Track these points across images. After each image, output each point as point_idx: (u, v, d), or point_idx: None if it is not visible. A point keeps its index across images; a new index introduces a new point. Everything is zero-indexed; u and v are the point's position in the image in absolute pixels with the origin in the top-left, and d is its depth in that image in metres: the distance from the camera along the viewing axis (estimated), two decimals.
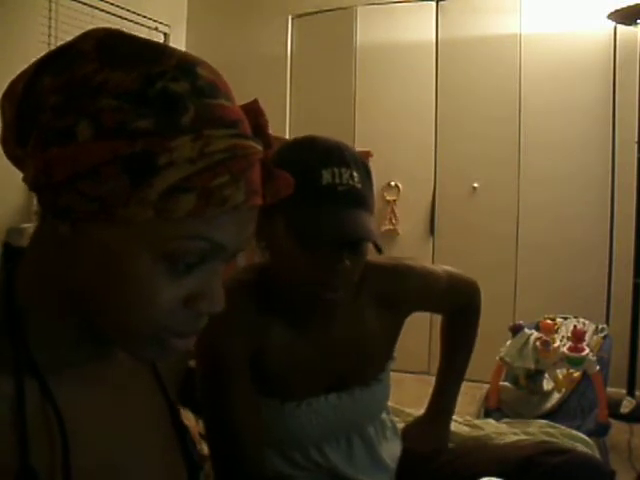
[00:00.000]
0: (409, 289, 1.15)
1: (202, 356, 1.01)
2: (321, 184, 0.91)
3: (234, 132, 0.50)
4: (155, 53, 0.50)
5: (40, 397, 0.52)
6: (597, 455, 1.36)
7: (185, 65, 0.50)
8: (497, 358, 2.34)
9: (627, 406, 2.61)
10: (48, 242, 0.53)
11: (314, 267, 0.93)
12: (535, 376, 2.31)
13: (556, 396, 2.30)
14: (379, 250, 0.97)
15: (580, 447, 1.31)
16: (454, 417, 1.50)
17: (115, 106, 0.47)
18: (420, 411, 1.42)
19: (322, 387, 1.10)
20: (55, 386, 0.53)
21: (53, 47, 0.54)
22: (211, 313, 0.54)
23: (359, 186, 0.93)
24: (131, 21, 3.63)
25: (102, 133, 0.47)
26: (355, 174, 0.93)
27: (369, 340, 1.12)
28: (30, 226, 2.49)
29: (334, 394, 1.10)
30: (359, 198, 0.93)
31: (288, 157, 0.94)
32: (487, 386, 2.42)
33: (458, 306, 1.30)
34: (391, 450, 1.21)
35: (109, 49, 0.49)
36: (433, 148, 3.50)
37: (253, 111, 0.55)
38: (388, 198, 3.51)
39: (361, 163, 0.97)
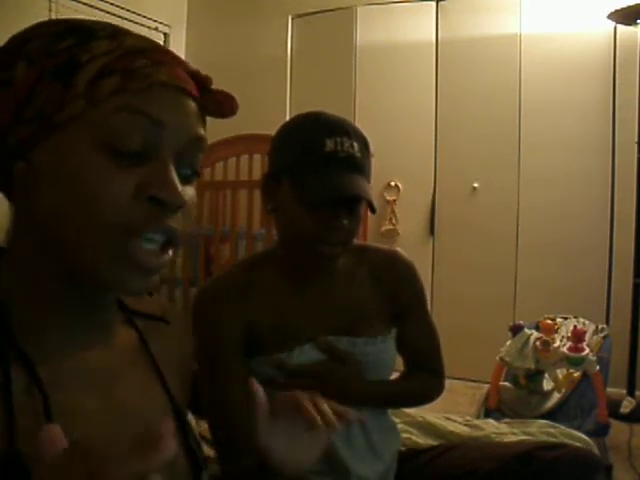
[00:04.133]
0: (401, 274, 1.21)
1: (199, 332, 1.07)
2: (324, 150, 1.02)
3: (149, 39, 0.57)
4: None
5: (27, 384, 0.52)
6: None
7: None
8: (497, 358, 2.34)
9: (627, 406, 2.61)
10: (16, 217, 0.56)
11: (315, 224, 1.04)
12: (535, 376, 2.31)
13: (556, 396, 2.30)
14: (373, 210, 1.06)
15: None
16: (454, 417, 1.51)
17: (41, 43, 0.53)
18: (420, 412, 1.42)
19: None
20: (45, 375, 0.53)
21: None
22: (169, 203, 0.53)
23: (358, 155, 1.05)
24: (131, 21, 3.63)
25: (33, 64, 0.52)
26: (355, 144, 1.05)
27: (366, 305, 1.17)
28: None
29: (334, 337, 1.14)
30: (358, 165, 1.05)
31: (295, 127, 1.09)
32: (487, 386, 2.42)
33: (420, 357, 1.25)
34: (388, 442, 1.21)
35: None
36: (433, 148, 3.50)
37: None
38: (388, 198, 3.51)
39: (361, 136, 1.08)
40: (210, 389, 1.10)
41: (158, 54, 0.55)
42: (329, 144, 1.02)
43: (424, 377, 1.24)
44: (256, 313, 1.11)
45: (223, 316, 1.10)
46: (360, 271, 1.19)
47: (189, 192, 0.57)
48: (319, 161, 1.02)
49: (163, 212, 0.53)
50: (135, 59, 0.53)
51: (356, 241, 1.19)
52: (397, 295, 1.20)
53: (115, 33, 0.55)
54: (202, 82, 0.58)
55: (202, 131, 0.58)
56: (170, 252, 0.55)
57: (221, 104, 0.59)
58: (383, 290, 1.19)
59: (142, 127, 0.53)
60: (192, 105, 0.57)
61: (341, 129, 1.05)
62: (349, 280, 1.18)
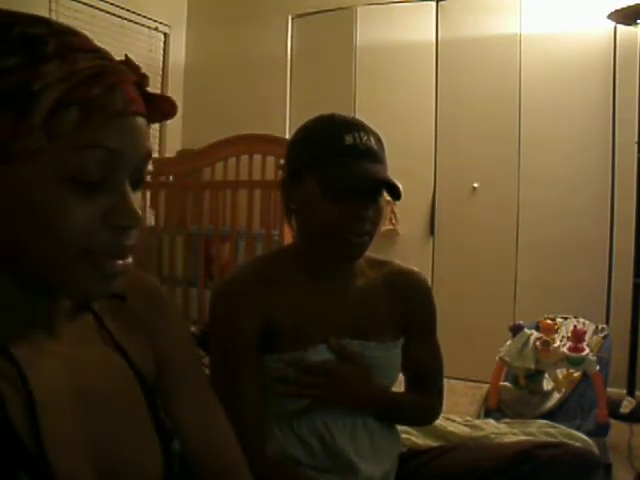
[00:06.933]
0: (417, 293, 1.24)
1: (215, 331, 1.13)
2: (344, 144, 1.08)
3: (97, 55, 0.54)
4: (6, 13, 0.53)
5: (11, 375, 0.54)
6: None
7: (38, 18, 0.54)
8: (497, 358, 2.34)
9: (627, 406, 2.61)
10: None
11: (341, 216, 1.08)
12: (535, 376, 2.31)
13: (556, 396, 2.31)
14: (399, 196, 1.12)
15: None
16: (454, 417, 1.51)
17: None
18: None
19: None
20: (19, 357, 0.55)
21: None
22: (131, 226, 0.56)
23: (375, 147, 1.11)
24: (131, 21, 3.64)
25: None
26: (371, 138, 1.11)
27: (378, 313, 1.19)
28: None
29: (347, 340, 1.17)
30: (377, 156, 1.11)
31: (312, 127, 1.14)
32: (487, 386, 2.42)
33: (423, 376, 1.27)
34: (389, 445, 1.22)
35: None
36: (433, 148, 3.51)
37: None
38: (388, 198, 3.50)
39: (373, 132, 1.14)
40: (222, 388, 1.10)
41: (110, 76, 0.54)
42: (348, 139, 1.08)
43: (428, 394, 1.27)
44: (273, 310, 1.12)
45: (241, 313, 1.11)
46: (376, 281, 1.22)
47: (136, 199, 0.59)
48: (341, 154, 1.08)
49: (124, 234, 0.56)
50: (90, 87, 0.52)
51: (378, 256, 1.25)
52: (410, 312, 1.22)
53: (62, 48, 0.52)
54: (142, 85, 0.57)
55: (149, 145, 0.59)
56: (129, 259, 0.58)
57: (166, 114, 0.60)
58: (397, 304, 1.21)
59: (102, 160, 0.53)
60: (143, 123, 0.57)
61: (356, 125, 1.11)
62: (365, 287, 1.20)
